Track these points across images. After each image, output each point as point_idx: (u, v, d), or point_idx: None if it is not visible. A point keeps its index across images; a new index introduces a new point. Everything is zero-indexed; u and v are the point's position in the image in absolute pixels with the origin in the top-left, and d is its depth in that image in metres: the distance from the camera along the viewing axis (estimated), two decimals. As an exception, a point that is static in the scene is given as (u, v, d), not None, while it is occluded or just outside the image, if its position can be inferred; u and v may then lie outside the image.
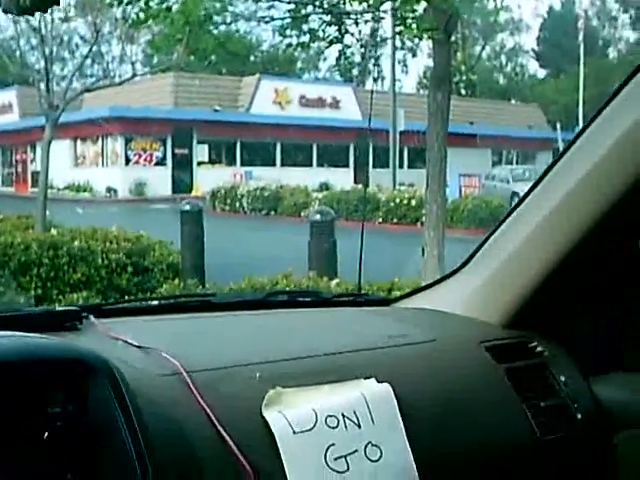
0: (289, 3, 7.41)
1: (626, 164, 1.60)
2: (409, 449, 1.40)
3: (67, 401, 1.12)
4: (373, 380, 1.44)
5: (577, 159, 1.70)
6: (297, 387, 1.37)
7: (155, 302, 1.88)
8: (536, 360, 1.77)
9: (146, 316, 1.72)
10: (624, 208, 1.65)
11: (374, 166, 36.33)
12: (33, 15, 1.13)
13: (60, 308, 1.54)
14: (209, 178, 29.11)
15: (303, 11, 7.88)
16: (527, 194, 1.82)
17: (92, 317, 1.53)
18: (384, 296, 2.05)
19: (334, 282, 7.69)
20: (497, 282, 1.84)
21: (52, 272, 8.81)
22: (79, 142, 35.51)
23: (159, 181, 32.35)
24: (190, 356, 1.38)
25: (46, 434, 1.11)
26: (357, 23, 7.71)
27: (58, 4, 1.14)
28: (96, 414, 1.14)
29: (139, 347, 1.39)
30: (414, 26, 6.62)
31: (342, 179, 30.43)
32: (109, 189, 31.99)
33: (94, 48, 15.42)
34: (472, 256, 1.93)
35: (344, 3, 7.26)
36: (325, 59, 52.15)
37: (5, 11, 1.13)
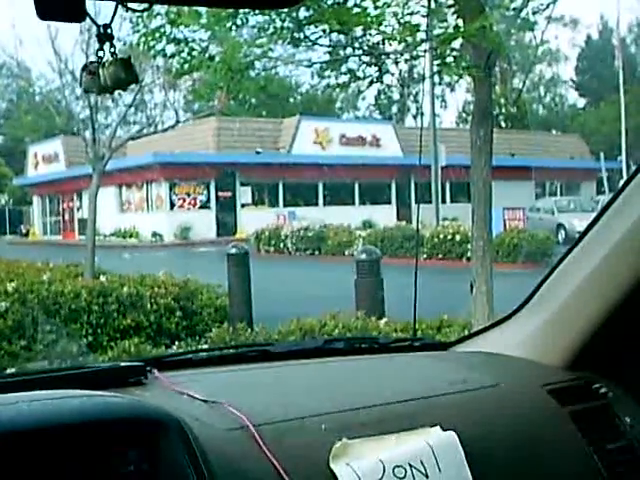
0: (328, 46, 7.48)
1: None
2: (477, 497, 1.39)
3: (140, 460, 1.14)
4: (438, 428, 1.44)
5: (638, 194, 1.68)
6: (362, 437, 1.37)
7: (215, 352, 1.90)
8: (600, 402, 1.75)
9: (207, 368, 1.74)
10: None
11: (416, 201, 36.31)
12: (112, 94, 1.17)
13: (124, 363, 1.56)
14: (253, 220, 29.34)
15: (342, 52, 7.95)
16: (584, 233, 1.81)
17: (155, 371, 1.55)
18: (441, 340, 2.03)
19: (383, 321, 7.70)
20: (557, 323, 1.83)
21: (102, 319, 8.91)
22: (124, 188, 36.06)
23: (204, 224, 32.66)
24: (255, 409, 1.39)
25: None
26: (397, 63, 7.73)
27: (137, 83, 1.17)
28: (168, 471, 1.15)
29: (205, 401, 1.41)
30: (453, 64, 6.63)
31: (385, 216, 30.42)
32: (155, 234, 32.36)
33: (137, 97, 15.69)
34: (529, 298, 1.92)
35: (383, 43, 7.29)
36: (364, 98, 52.51)
37: (86, 90, 1.17)
